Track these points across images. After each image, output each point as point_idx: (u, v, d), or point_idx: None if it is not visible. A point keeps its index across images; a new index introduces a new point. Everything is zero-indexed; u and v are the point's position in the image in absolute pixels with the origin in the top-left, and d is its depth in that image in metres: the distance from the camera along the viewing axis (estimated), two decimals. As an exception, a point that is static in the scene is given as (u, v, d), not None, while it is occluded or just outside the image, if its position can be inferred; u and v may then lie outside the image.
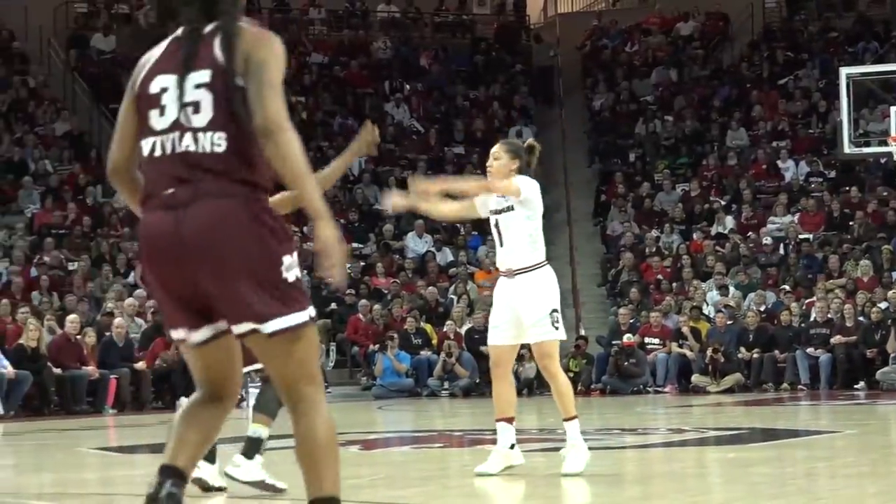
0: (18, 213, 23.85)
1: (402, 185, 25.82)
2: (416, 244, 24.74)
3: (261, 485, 6.93)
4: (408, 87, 29.79)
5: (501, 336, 7.98)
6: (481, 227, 22.88)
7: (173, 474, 4.10)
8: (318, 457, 4.08)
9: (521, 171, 8.01)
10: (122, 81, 24.85)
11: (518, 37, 32.42)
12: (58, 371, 17.88)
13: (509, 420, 7.94)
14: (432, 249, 24.66)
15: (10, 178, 24.56)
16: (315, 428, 4.07)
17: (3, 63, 27.14)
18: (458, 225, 24.99)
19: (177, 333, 4.16)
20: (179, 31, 4.19)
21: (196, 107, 4.03)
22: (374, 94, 29.33)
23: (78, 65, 28.26)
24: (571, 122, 29.37)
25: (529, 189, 7.87)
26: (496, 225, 8.04)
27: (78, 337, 18.52)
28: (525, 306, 7.87)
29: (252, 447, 6.95)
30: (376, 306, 22.08)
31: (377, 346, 20.98)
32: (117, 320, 19.21)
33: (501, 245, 8.04)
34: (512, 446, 7.93)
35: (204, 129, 4.02)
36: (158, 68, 4.14)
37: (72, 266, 22.19)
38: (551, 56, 31.49)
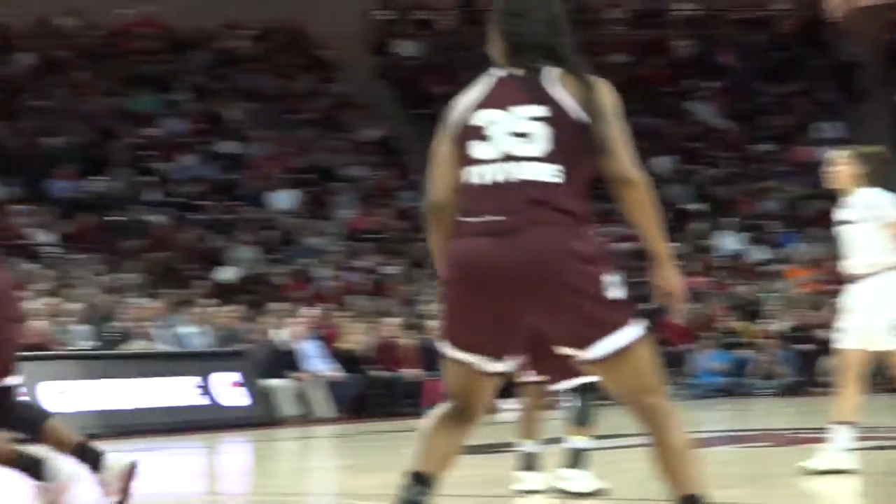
0: (332, 219, 24.63)
1: (714, 182, 26.91)
2: (728, 242, 24.50)
3: (596, 493, 7.07)
4: (710, 84, 29.68)
5: (849, 340, 7.99)
6: (795, 224, 22.68)
7: (419, 480, 4.28)
8: (682, 462, 4.26)
9: (870, 179, 7.90)
10: (428, 86, 26.64)
11: (819, 31, 31.51)
12: (378, 373, 18.55)
13: (847, 423, 7.88)
14: (745, 247, 24.46)
15: (323, 185, 25.39)
16: (673, 439, 4.23)
17: (311, 71, 28.26)
18: (770, 222, 24.69)
19: (459, 354, 4.27)
20: (508, 71, 4.35)
21: (531, 139, 4.18)
22: (676, 92, 29.33)
23: (384, 71, 29.23)
24: (878, 118, 28.29)
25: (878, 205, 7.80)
26: (841, 234, 8.03)
27: (397, 339, 19.16)
28: (873, 312, 7.88)
29: (576, 459, 7.11)
30: (690, 305, 22.02)
31: (693, 345, 20.96)
32: (435, 322, 19.68)
33: (848, 252, 8.01)
34: (847, 450, 7.87)
35: (538, 160, 4.17)
36: (486, 103, 4.29)
37: (388, 270, 22.93)
38: (853, 51, 30.65)
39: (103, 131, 24.95)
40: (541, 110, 4.18)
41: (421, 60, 29.18)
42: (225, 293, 20.68)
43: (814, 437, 8.43)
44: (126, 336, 17.13)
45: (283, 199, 24.48)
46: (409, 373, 18.70)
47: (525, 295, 4.08)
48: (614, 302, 4.13)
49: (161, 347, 17.32)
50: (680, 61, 30.48)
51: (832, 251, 9.77)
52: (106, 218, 22.61)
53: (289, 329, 18.16)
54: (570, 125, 4.16)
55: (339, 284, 21.96)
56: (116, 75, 26.65)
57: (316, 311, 19.37)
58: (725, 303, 22.48)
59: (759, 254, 24.63)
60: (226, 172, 25.00)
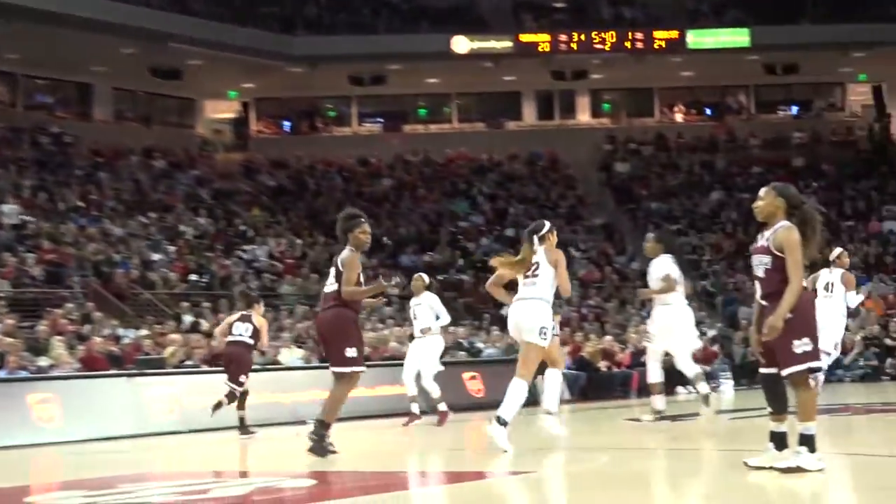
0: (572, 275, 33.88)
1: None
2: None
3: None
4: (815, 184, 42.73)
5: None
6: (868, 271, 36.84)
7: None
8: None
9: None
10: (634, 191, 43.21)
11: (886, 148, 46.05)
12: (602, 371, 27.84)
13: None
14: None
15: (567, 254, 34.79)
16: None
17: (559, 182, 43.86)
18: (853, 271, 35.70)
19: None
20: None
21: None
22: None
23: (606, 181, 44.07)
24: None
25: None
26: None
27: (614, 349, 28.74)
28: None
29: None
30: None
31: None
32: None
33: None
34: None
35: None
36: None
37: (607, 307, 35.57)
38: None
39: (433, 224, 39.35)
40: None
41: (630, 174, 44.31)
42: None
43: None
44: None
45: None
46: (622, 370, 27.11)
47: None
48: None
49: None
50: (795, 170, 43.09)
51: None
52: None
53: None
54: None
55: (577, 315, 32.42)
56: (441, 190, 42.09)
57: (560, 332, 28.21)
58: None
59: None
60: (508, 247, 34.71)
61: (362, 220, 11.64)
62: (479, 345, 28.27)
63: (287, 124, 45.83)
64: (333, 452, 11.38)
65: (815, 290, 16.64)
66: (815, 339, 8.18)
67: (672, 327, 14.14)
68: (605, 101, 48.34)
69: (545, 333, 11.53)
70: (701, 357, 28.55)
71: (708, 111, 48.25)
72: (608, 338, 29.13)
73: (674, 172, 44.55)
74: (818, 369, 8.41)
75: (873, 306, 32.85)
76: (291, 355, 23.67)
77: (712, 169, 44.92)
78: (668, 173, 44.49)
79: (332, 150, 42.90)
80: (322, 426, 11.34)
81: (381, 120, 46.74)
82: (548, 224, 12.32)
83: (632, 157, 45.64)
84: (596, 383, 26.43)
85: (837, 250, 17.53)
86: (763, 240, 8.42)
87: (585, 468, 10.28)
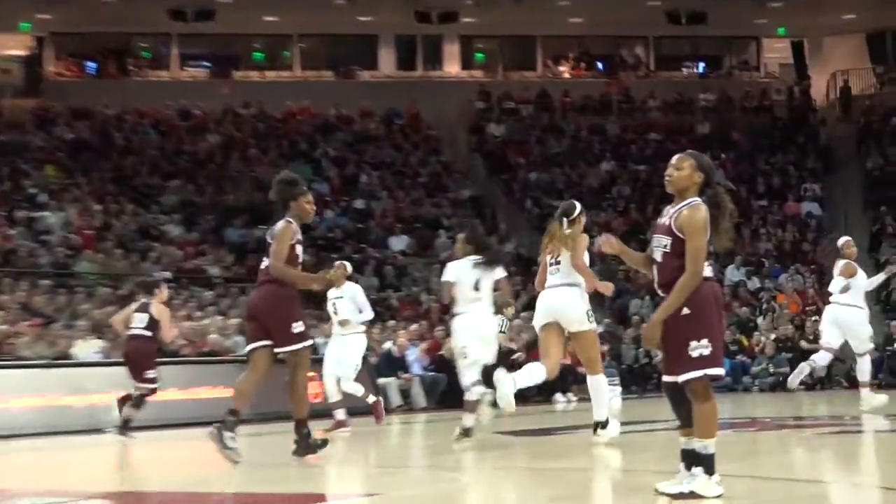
0: (435, 258, 35.89)
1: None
2: (731, 274, 37.19)
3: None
4: (723, 155, 42.78)
5: None
6: (782, 261, 36.99)
7: None
8: None
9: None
10: (510, 158, 43.16)
11: (807, 116, 47.06)
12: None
13: None
14: (744, 278, 36.09)
15: (429, 232, 38.22)
16: None
17: (421, 146, 43.76)
18: (763, 259, 37.73)
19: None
20: None
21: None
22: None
23: (478, 146, 44.32)
24: (851, 181, 42.65)
25: None
26: None
27: None
28: None
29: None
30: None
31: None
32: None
33: None
34: None
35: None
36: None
37: None
38: (831, 132, 46.04)
39: (267, 192, 33.57)
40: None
41: (505, 138, 44.52)
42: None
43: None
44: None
45: (399, 243, 37.60)
46: (487, 373, 26.71)
47: None
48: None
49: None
50: (700, 138, 43.70)
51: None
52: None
53: (397, 340, 27.85)
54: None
55: (438, 307, 31.38)
56: (278, 150, 41.43)
57: (416, 326, 29.95)
58: (729, 321, 31.24)
59: (755, 283, 36.94)
60: (357, 223, 38.37)
61: (305, 187, 13.03)
62: (319, 340, 28.13)
63: (91, 65, 45.43)
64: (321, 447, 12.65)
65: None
66: (715, 341, 8.13)
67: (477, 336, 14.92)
68: (478, 51, 48.83)
69: (591, 315, 13.66)
70: (574, 361, 29.12)
71: (600, 66, 48.87)
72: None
73: (558, 137, 44.97)
74: (719, 377, 8.21)
75: (785, 300, 33.72)
76: (88, 348, 23.31)
77: (603, 134, 45.51)
78: (550, 138, 44.88)
79: (147, 99, 42.65)
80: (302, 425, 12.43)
81: (208, 64, 46.70)
82: (579, 206, 13.85)
83: (508, 117, 45.95)
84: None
85: (843, 239, 19.23)
86: (666, 217, 8.43)
87: (438, 490, 10.35)
